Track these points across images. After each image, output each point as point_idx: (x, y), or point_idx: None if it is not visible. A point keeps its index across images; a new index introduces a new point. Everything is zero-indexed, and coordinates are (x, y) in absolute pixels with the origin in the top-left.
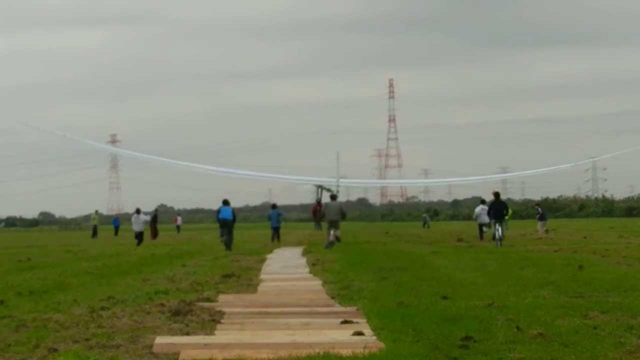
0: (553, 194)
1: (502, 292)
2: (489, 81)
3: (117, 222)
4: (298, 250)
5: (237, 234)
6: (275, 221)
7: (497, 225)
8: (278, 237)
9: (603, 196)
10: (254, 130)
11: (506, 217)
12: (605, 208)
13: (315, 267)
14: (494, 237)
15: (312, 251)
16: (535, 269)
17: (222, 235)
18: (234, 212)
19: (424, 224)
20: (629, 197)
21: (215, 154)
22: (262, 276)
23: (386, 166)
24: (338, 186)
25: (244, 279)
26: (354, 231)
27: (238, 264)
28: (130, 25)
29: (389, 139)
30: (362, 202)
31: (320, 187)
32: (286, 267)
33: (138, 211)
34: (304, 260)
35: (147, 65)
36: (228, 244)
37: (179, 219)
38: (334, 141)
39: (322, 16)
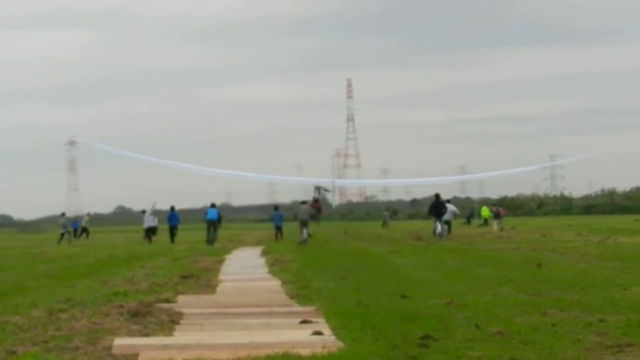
0: (512, 192)
1: (461, 291)
2: (448, 80)
3: (76, 224)
4: (257, 250)
5: (198, 234)
6: (278, 221)
7: (437, 223)
8: (281, 235)
9: (561, 194)
10: (211, 131)
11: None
12: (564, 206)
13: (274, 267)
14: (434, 233)
15: (270, 251)
16: (494, 267)
17: (208, 233)
18: (220, 213)
19: (384, 223)
20: (587, 195)
21: (173, 154)
22: (221, 277)
23: (345, 166)
24: (334, 186)
25: (203, 279)
26: (313, 231)
27: (197, 264)
28: (88, 25)
29: (347, 139)
30: (322, 202)
31: (318, 187)
32: (245, 267)
33: (144, 212)
34: (262, 260)
35: (105, 66)
36: (212, 241)
37: (155, 219)
38: (291, 141)
39: (268, 16)
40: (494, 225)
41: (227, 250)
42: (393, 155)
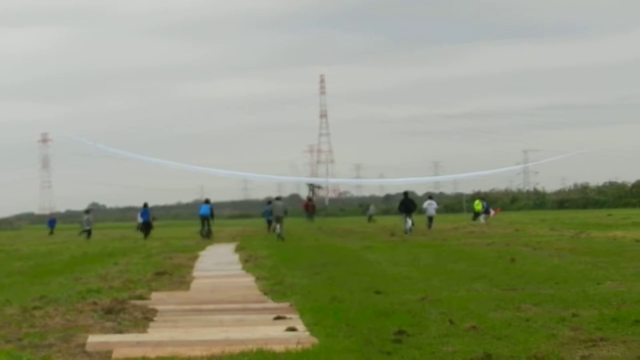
0: (485, 188)
1: (435, 286)
2: (421, 76)
3: (53, 222)
4: (231, 246)
5: (171, 230)
6: (271, 215)
7: (407, 219)
8: (269, 229)
9: (535, 189)
10: (183, 128)
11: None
12: (537, 201)
13: (248, 263)
14: (404, 229)
15: (245, 247)
16: (467, 262)
17: (202, 227)
18: (212, 208)
19: (370, 217)
20: (560, 190)
21: (146, 151)
22: (195, 273)
23: (318, 162)
24: (327, 184)
25: (177, 276)
26: (287, 227)
27: (170, 261)
28: (59, 21)
29: (320, 135)
30: (295, 197)
31: (312, 185)
32: (219, 263)
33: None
34: (236, 256)
35: (77, 62)
36: (207, 234)
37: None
38: (264, 137)
39: (240, 12)
40: (481, 218)
41: (201, 247)
42: (366, 151)
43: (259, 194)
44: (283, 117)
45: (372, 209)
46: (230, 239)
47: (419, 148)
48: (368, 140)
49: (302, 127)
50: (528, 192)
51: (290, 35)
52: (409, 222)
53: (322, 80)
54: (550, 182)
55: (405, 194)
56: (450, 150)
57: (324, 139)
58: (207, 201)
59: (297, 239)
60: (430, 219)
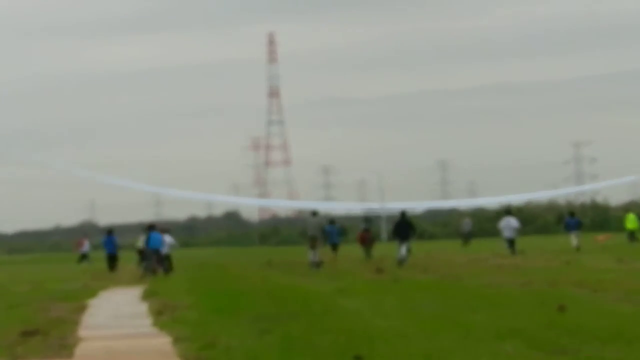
0: (517, 200)
1: (444, 347)
2: (412, 33)
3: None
4: (135, 292)
5: (41, 268)
6: (334, 237)
7: (401, 246)
8: (335, 253)
9: (593, 201)
10: (80, 111)
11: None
12: (597, 218)
13: (162, 316)
14: (399, 258)
15: (156, 292)
16: (492, 311)
17: (148, 262)
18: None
19: (465, 240)
20: (630, 202)
21: (33, 144)
22: (82, 332)
23: (267, 162)
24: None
25: (54, 337)
26: (221, 260)
27: (45, 314)
28: None
29: (270, 122)
30: (232, 217)
31: (367, 217)
32: (118, 317)
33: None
34: (144, 307)
35: None
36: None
37: (87, 243)
38: (190, 124)
39: None
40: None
41: (91, 292)
42: (336, 145)
43: (179, 212)
44: (215, 97)
45: (467, 223)
46: (132, 280)
47: (414, 139)
48: (339, 130)
49: (242, 111)
50: (583, 205)
51: None
52: (404, 249)
53: (271, 42)
54: (616, 191)
55: (402, 214)
56: (458, 139)
57: (274, 128)
58: (152, 227)
59: (236, 276)
60: (510, 242)
